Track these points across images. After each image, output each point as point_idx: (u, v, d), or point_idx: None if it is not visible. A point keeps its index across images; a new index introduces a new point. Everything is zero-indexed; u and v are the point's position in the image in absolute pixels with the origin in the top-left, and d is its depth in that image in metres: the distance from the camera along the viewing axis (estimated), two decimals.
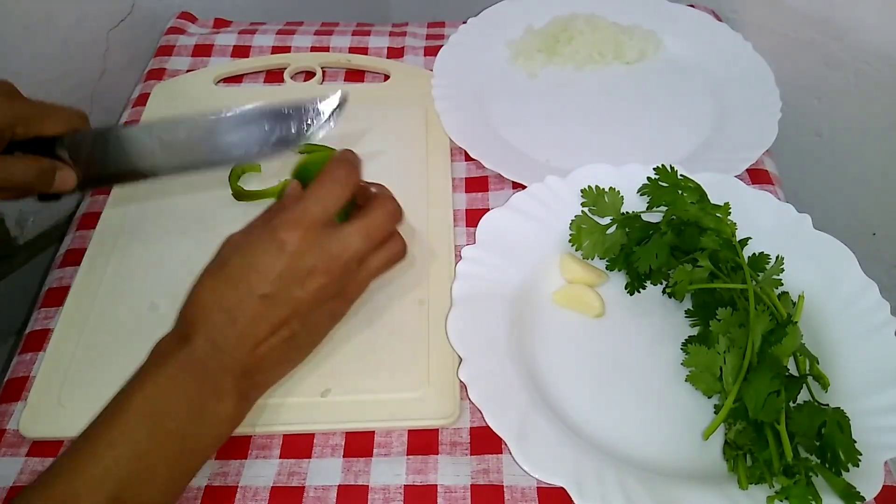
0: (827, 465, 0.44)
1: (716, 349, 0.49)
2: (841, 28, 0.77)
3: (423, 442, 0.49)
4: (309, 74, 0.76)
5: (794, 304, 0.52)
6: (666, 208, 0.56)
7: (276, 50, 0.80)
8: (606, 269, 0.57)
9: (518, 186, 0.63)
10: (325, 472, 0.48)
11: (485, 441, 0.49)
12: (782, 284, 0.53)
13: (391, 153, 0.67)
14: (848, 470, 0.43)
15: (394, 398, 0.50)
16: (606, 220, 0.57)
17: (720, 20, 0.81)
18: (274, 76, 0.77)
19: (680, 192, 0.56)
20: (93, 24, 0.81)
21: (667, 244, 0.54)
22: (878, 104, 0.79)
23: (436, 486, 0.47)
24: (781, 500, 0.43)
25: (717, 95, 0.73)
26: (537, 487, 0.47)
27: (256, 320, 0.42)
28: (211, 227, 0.57)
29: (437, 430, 0.50)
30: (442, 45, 0.77)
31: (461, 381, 0.49)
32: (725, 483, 0.45)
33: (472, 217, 0.62)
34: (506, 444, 0.46)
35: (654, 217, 0.57)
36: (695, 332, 0.53)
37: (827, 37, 0.79)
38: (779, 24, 0.82)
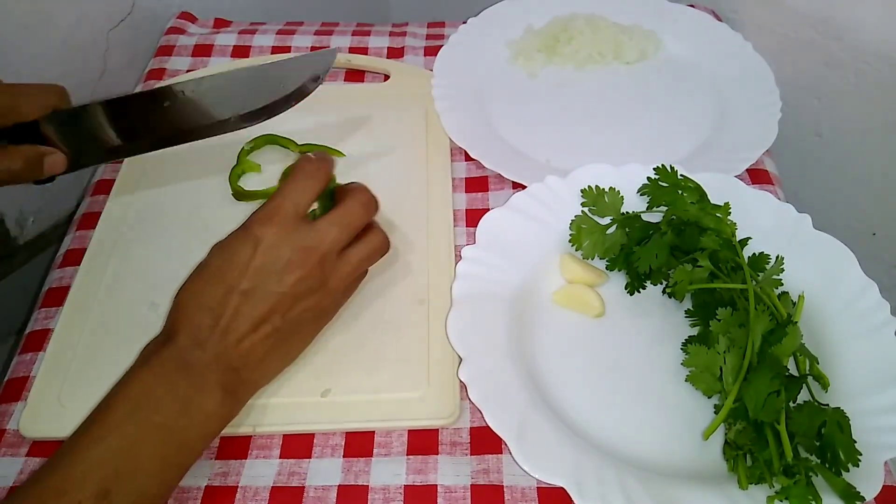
0: (827, 465, 0.44)
1: (716, 349, 0.49)
2: (841, 28, 0.77)
3: (423, 442, 0.49)
4: None
5: (794, 304, 0.52)
6: (666, 208, 0.56)
7: (276, 50, 0.80)
8: (606, 269, 0.57)
9: (518, 186, 0.63)
10: (325, 472, 0.48)
11: (485, 441, 0.49)
12: (782, 284, 0.53)
13: (391, 153, 0.67)
14: (848, 470, 0.43)
15: (394, 398, 0.50)
16: (606, 220, 0.57)
17: (720, 20, 0.81)
18: None
19: (680, 192, 0.56)
20: (93, 24, 0.81)
21: (667, 244, 0.54)
22: (878, 104, 0.79)
23: (436, 486, 0.47)
24: (781, 500, 0.43)
25: (717, 95, 0.73)
26: (537, 487, 0.47)
27: (236, 316, 0.43)
28: (211, 227, 0.57)
29: (437, 430, 0.50)
30: (442, 45, 0.77)
31: (461, 381, 0.49)
32: (725, 483, 0.45)
33: (472, 217, 0.62)
34: (506, 444, 0.46)
35: (654, 217, 0.57)
36: (695, 332, 0.53)
37: (827, 37, 0.79)
38: (779, 24, 0.82)
